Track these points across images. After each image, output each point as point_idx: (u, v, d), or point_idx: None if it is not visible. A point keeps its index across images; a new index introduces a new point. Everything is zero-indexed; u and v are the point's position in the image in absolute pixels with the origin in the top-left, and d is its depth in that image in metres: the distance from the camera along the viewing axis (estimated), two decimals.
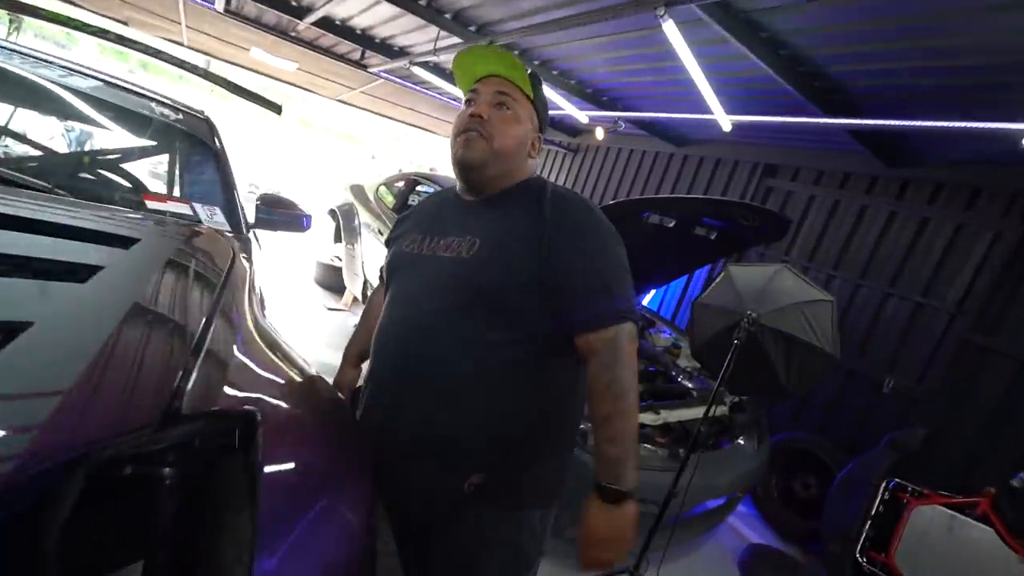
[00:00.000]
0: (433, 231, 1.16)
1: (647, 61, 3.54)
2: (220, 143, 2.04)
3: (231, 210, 1.78)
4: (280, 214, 2.05)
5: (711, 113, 3.46)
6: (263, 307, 1.84)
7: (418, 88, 6.80)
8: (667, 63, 3.40)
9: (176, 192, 1.95)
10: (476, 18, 3.77)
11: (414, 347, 1.06)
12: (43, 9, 3.81)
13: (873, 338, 3.70)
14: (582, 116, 4.69)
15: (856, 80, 2.87)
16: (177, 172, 2.01)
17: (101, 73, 1.97)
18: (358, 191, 5.19)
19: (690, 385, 3.21)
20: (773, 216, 2.94)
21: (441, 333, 1.04)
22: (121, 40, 3.90)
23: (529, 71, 1.14)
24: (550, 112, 5.86)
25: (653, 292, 4.30)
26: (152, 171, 2.22)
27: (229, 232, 1.66)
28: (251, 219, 1.95)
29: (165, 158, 2.12)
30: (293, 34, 5.77)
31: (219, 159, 1.95)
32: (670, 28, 2.57)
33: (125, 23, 7.01)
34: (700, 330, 2.23)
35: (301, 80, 7.93)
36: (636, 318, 1.04)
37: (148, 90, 2.05)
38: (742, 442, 2.95)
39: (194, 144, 2.00)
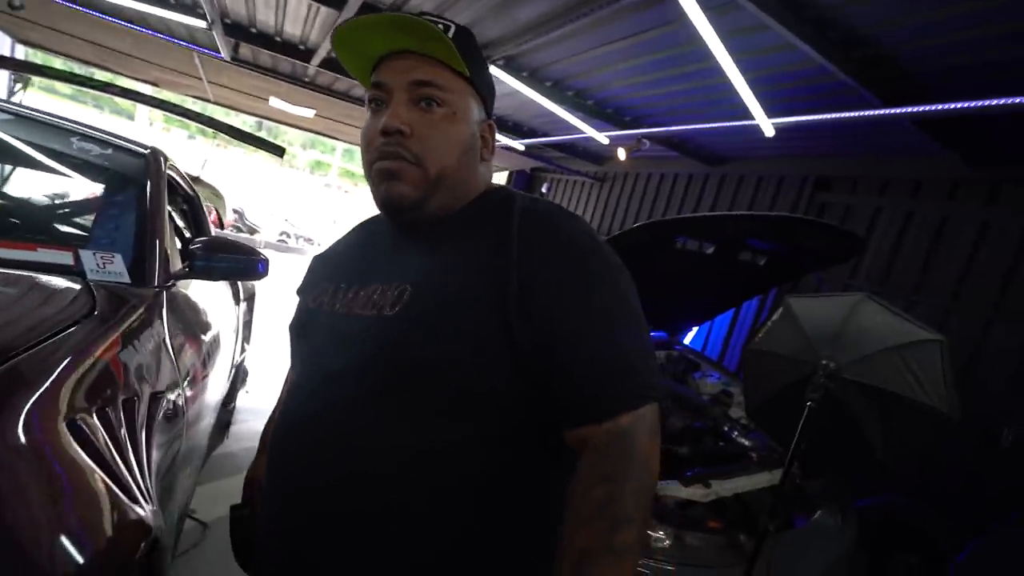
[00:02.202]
0: (351, 277, 0.77)
1: (671, 66, 3.12)
2: (156, 181, 1.72)
3: (140, 258, 1.42)
4: (224, 260, 1.71)
5: (750, 118, 2.97)
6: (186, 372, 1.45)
7: None
8: (693, 66, 2.97)
9: (100, 239, 1.63)
10: None
11: (315, 464, 0.66)
12: (47, 67, 3.79)
13: (976, 377, 2.99)
14: (601, 137, 4.29)
15: (927, 60, 2.34)
16: (99, 215, 1.69)
17: (15, 107, 1.71)
18: None
19: (747, 443, 2.59)
20: (839, 233, 2.39)
21: (356, 438, 0.65)
22: (125, 93, 3.81)
23: (452, 30, 0.71)
24: (568, 137, 5.52)
25: (695, 330, 3.74)
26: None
27: (123, 284, 1.30)
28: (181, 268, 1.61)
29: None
30: (307, 79, 5.72)
31: (147, 199, 1.62)
32: (696, 16, 2.14)
33: (155, 84, 7.25)
34: (757, 385, 1.70)
35: (319, 126, 7.97)
36: (661, 394, 0.64)
37: (75, 124, 1.77)
38: (822, 516, 2.31)
39: (120, 183, 1.69)
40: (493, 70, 3.52)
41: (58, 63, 7.06)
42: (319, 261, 0.91)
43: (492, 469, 0.65)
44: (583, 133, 4.30)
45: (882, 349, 1.45)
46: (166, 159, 1.93)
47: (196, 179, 3.68)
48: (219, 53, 4.60)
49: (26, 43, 6.97)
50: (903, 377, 1.43)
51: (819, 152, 3.96)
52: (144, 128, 23.74)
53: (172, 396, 1.25)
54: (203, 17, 3.59)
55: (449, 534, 0.63)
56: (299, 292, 0.89)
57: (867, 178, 3.82)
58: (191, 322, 1.68)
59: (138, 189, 1.65)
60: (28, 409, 0.68)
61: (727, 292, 3.10)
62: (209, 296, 2.03)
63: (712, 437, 2.64)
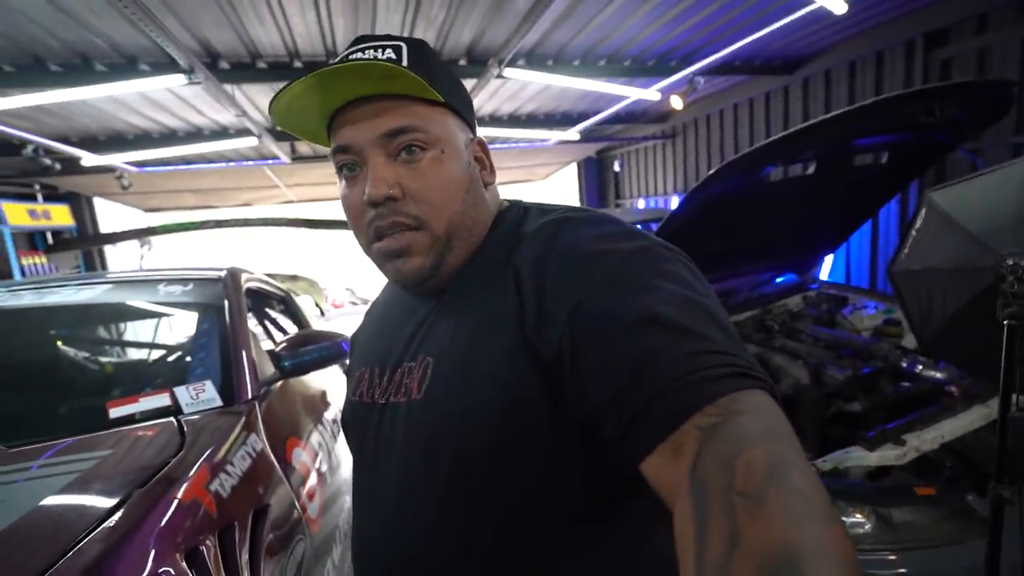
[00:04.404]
0: (384, 356, 0.68)
1: None
2: (234, 299, 1.82)
3: (228, 378, 1.49)
4: (308, 353, 1.77)
5: (810, 3, 2.49)
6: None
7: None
8: None
9: (195, 369, 1.74)
10: (487, 51, 3.36)
11: None
12: (159, 227, 4.37)
13: None
14: (652, 94, 3.93)
15: None
16: (193, 346, 1.83)
17: (95, 278, 1.92)
18: None
19: (938, 375, 2.10)
20: (976, 89, 1.87)
21: (433, 558, 0.57)
22: (219, 223, 4.27)
23: (405, 53, 0.59)
24: (616, 108, 5.12)
25: (829, 260, 3.19)
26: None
27: (215, 408, 1.35)
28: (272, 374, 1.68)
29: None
30: None
31: (224, 320, 1.71)
32: None
33: (248, 204, 8.19)
34: (921, 315, 1.33)
35: None
36: (766, 382, 0.42)
37: (156, 273, 1.95)
38: None
39: (202, 312, 1.81)
40: (517, 73, 3.38)
41: (178, 216, 8.29)
42: (356, 339, 0.84)
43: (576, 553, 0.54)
44: (630, 98, 3.98)
45: None
46: (241, 275, 2.04)
47: (294, 276, 4.00)
48: (280, 159, 5.03)
49: (151, 210, 8.28)
50: None
51: (917, 3, 3.23)
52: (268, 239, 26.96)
53: (282, 501, 1.26)
54: (252, 134, 3.93)
55: None
56: (347, 375, 0.84)
57: (1001, 6, 3.02)
58: (297, 414, 1.74)
59: (219, 312, 1.75)
60: None
61: (851, 207, 2.60)
62: (314, 378, 2.10)
63: (890, 379, 2.18)
